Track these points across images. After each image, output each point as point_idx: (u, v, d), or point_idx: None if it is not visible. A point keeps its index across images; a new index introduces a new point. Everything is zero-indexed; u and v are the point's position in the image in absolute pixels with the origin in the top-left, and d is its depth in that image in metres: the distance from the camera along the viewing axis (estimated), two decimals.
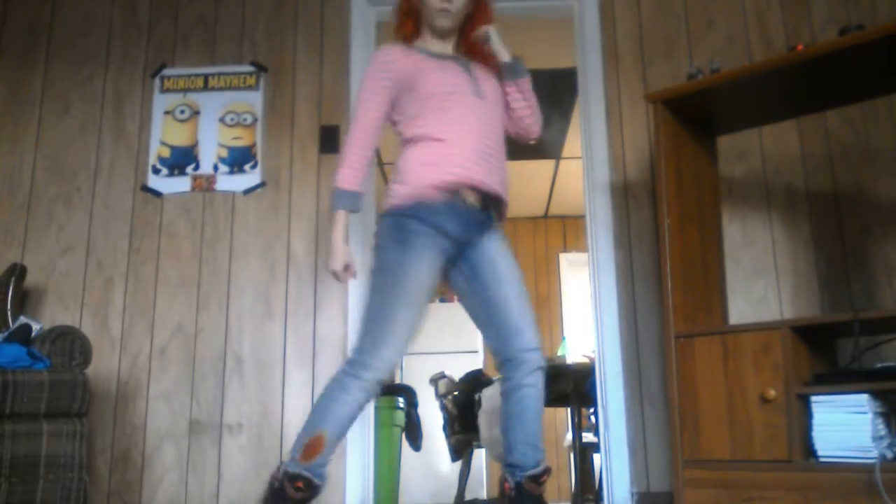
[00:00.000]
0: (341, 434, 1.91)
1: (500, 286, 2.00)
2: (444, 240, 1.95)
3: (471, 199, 1.99)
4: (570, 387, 3.54)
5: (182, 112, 3.28)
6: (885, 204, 2.95)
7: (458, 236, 1.98)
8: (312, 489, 1.86)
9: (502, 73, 2.15)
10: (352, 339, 2.96)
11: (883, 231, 2.93)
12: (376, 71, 2.05)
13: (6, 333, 2.67)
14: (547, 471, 1.95)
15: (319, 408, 1.90)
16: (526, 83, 2.16)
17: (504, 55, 2.14)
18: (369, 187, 3.10)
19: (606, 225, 3.09)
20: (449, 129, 1.98)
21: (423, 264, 1.91)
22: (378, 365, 1.89)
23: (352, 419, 1.91)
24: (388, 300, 1.90)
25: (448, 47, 2.16)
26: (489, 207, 2.05)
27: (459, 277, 2.07)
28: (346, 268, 2.00)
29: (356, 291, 3.02)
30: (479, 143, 1.99)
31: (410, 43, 2.13)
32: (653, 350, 2.95)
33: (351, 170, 2.00)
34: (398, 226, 1.94)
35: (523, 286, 2.04)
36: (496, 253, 2.04)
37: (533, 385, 1.96)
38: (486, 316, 2.02)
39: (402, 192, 1.96)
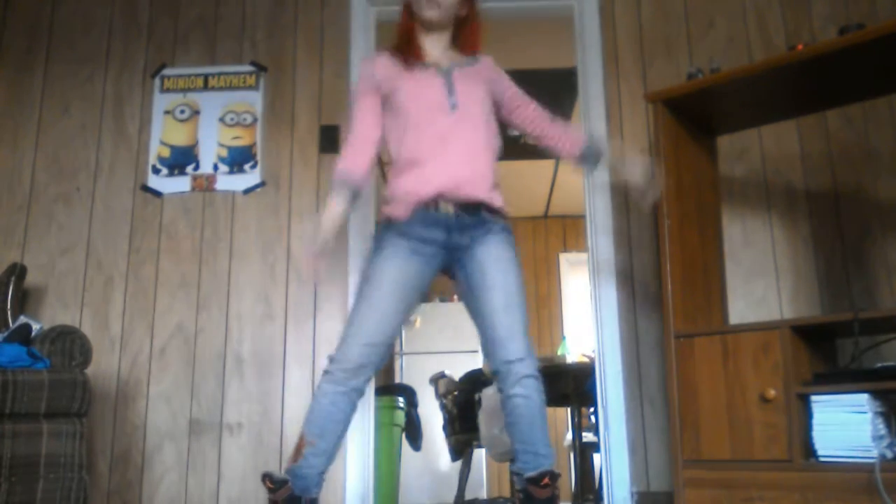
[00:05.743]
0: (321, 432, 1.90)
1: (486, 295, 1.98)
2: (417, 243, 1.98)
3: (444, 206, 2.00)
4: (570, 387, 3.55)
5: (182, 112, 3.28)
6: (885, 204, 2.94)
7: (437, 239, 1.99)
8: (280, 485, 1.87)
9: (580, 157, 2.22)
10: None
11: (883, 231, 2.93)
12: (361, 80, 2.11)
13: (6, 333, 2.67)
14: (546, 474, 1.91)
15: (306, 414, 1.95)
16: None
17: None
18: (369, 193, 3.11)
19: (606, 225, 3.09)
20: (417, 147, 2.01)
21: (389, 264, 1.96)
22: (341, 356, 1.94)
23: (328, 416, 1.91)
24: (357, 299, 1.99)
25: (437, 46, 2.14)
26: (473, 210, 2.03)
27: (459, 285, 2.08)
28: (315, 261, 2.00)
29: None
30: (449, 157, 2.01)
31: (403, 48, 2.13)
32: (653, 350, 2.95)
33: (346, 158, 2.06)
34: (376, 237, 2.05)
35: (515, 293, 1.99)
36: (489, 259, 2.01)
37: (522, 395, 1.93)
38: (478, 324, 2.02)
39: (382, 211, 2.06)
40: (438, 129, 2.02)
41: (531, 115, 2.23)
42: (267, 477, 1.89)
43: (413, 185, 2.00)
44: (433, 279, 2.07)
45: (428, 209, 1.99)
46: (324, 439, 1.90)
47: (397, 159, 2.06)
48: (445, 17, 2.12)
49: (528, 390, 1.93)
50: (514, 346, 1.94)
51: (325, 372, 1.95)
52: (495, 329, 1.96)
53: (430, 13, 2.09)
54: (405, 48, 2.11)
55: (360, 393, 1.95)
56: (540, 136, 2.24)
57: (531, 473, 1.91)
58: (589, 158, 2.21)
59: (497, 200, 2.07)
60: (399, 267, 1.96)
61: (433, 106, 2.04)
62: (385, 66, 2.08)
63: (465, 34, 2.18)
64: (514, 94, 2.22)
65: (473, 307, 2.02)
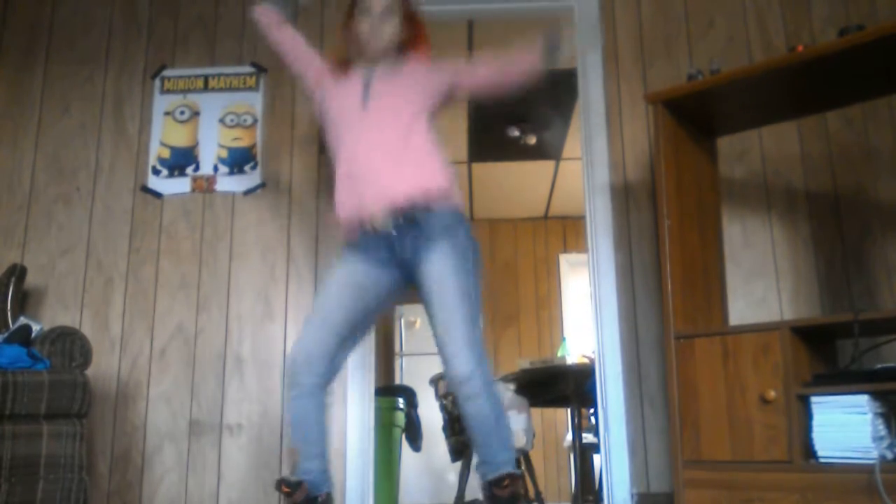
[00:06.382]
0: (304, 437, 1.95)
1: (431, 313, 1.97)
2: (367, 257, 2.04)
3: (377, 221, 2.00)
4: (570, 387, 3.55)
5: (182, 113, 3.28)
6: (885, 204, 2.95)
7: (386, 257, 2.03)
8: (295, 487, 1.90)
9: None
10: None
11: (883, 231, 2.93)
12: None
13: (6, 334, 2.67)
14: (506, 477, 1.90)
15: None
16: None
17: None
18: None
19: (606, 226, 3.09)
20: (341, 156, 2.08)
21: (341, 266, 2.07)
22: (293, 354, 1.99)
23: (303, 421, 1.96)
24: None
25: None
26: (408, 219, 2.00)
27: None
28: None
29: None
30: (362, 165, 2.02)
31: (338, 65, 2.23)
32: (653, 350, 2.95)
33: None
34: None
35: (455, 308, 1.93)
36: (429, 278, 1.98)
37: (471, 415, 1.92)
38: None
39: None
40: (352, 133, 2.05)
41: (484, 76, 2.20)
42: (282, 482, 1.91)
43: (343, 209, 2.06)
44: (396, 290, 2.09)
45: (366, 233, 2.03)
46: (308, 443, 1.94)
47: (334, 167, 2.12)
48: (389, 48, 2.16)
49: (477, 406, 1.91)
50: (458, 363, 1.90)
51: (286, 376, 2.00)
52: (441, 347, 1.94)
53: (375, 44, 2.13)
54: (340, 65, 2.22)
55: (321, 388, 1.96)
56: (503, 81, 2.21)
57: (491, 477, 1.92)
58: (552, 51, 2.17)
59: (431, 193, 2.01)
60: (351, 265, 2.05)
61: (349, 108, 2.08)
62: (331, 72, 2.20)
63: (412, 47, 2.22)
64: (459, 71, 2.20)
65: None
